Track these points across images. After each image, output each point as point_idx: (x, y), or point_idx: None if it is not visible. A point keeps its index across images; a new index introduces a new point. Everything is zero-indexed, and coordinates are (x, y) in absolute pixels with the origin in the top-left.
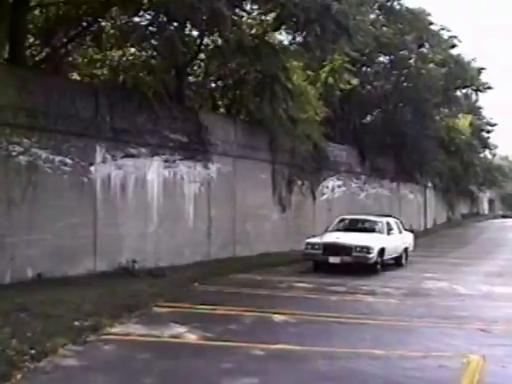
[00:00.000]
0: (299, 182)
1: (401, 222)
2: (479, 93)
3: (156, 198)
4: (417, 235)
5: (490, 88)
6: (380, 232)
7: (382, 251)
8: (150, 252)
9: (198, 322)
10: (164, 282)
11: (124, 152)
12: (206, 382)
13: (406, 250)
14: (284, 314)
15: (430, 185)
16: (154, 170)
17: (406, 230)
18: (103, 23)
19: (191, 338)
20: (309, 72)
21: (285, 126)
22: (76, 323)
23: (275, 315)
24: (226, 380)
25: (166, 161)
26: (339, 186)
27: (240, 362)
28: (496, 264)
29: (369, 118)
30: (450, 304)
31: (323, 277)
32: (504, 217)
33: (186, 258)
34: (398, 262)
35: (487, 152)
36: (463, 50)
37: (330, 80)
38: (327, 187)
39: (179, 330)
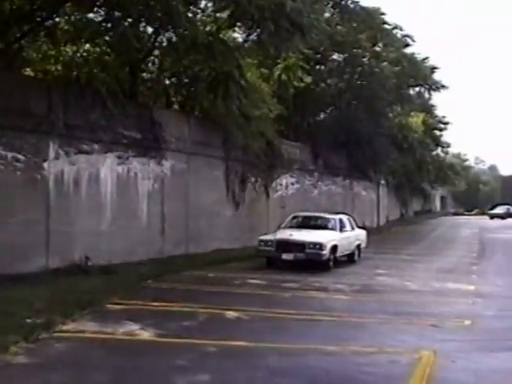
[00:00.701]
0: (253, 179)
1: (353, 219)
2: (432, 91)
3: (109, 194)
4: (370, 232)
5: (443, 87)
6: (333, 229)
7: (334, 248)
8: (103, 249)
9: (152, 319)
10: (117, 279)
11: (77, 148)
12: (158, 379)
13: (358, 246)
14: (237, 310)
15: (383, 182)
16: (108, 167)
17: (358, 227)
18: (57, 19)
19: (144, 335)
20: (263, 69)
21: (238, 123)
22: (28, 320)
23: (228, 312)
24: (178, 377)
25: (119, 157)
26: (292, 184)
27: (193, 359)
28: (447, 261)
29: (322, 115)
30: (402, 300)
31: (276, 273)
32: (456, 214)
33: (140, 255)
34: (350, 259)
35: (440, 150)
36: (418, 49)
37: (284, 77)
38: (281, 184)
39: (132, 327)
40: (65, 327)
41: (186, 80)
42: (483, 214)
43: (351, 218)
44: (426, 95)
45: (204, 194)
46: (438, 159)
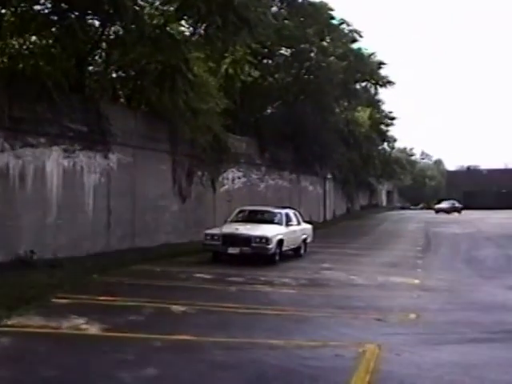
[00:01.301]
0: (199, 173)
1: (300, 214)
2: (378, 87)
3: (55, 188)
4: (316, 227)
5: (390, 82)
6: (279, 223)
7: (280, 242)
8: (48, 243)
9: (98, 313)
10: (63, 274)
11: (23, 142)
12: (104, 374)
13: (304, 241)
14: (183, 304)
15: (329, 177)
16: (54, 160)
17: (305, 221)
18: (3, 11)
19: (90, 329)
20: (210, 63)
21: (185, 117)
22: None
23: (174, 306)
24: (123, 372)
25: (65, 151)
26: (239, 178)
27: (138, 354)
28: (393, 255)
29: (270, 110)
30: (348, 294)
31: (222, 267)
32: (402, 208)
33: (86, 249)
34: (296, 253)
35: (386, 145)
36: (366, 45)
37: (231, 72)
38: (227, 178)
39: (78, 321)
40: (10, 321)
41: (133, 73)
42: (429, 208)
43: (297, 213)
44: (373, 90)
45: (150, 187)
46: (384, 154)
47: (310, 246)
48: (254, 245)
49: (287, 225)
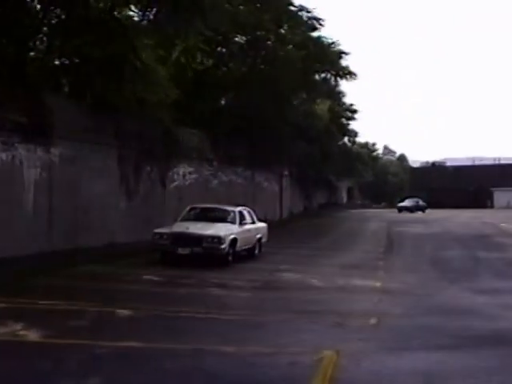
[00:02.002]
0: (148, 169)
1: (254, 212)
2: (339, 78)
3: None
4: (272, 226)
5: (351, 74)
6: (232, 222)
7: (234, 242)
8: None
9: (38, 318)
10: (0, 275)
11: None
12: None
13: (259, 241)
14: (129, 308)
15: (286, 173)
16: None
17: (260, 220)
18: None
19: (29, 336)
20: (160, 51)
21: (133, 108)
22: None
23: (120, 310)
24: (66, 381)
25: (3, 143)
26: (191, 173)
27: (82, 362)
28: (353, 256)
29: (224, 101)
30: (305, 297)
31: (172, 269)
32: (363, 207)
33: (25, 248)
34: (251, 254)
35: (346, 139)
36: (329, 34)
37: (183, 60)
38: (178, 174)
39: (16, 327)
40: None
41: (77, 61)
42: (392, 206)
43: (252, 211)
44: (333, 82)
45: (95, 183)
46: (344, 149)
47: (266, 246)
48: (205, 245)
49: (241, 224)
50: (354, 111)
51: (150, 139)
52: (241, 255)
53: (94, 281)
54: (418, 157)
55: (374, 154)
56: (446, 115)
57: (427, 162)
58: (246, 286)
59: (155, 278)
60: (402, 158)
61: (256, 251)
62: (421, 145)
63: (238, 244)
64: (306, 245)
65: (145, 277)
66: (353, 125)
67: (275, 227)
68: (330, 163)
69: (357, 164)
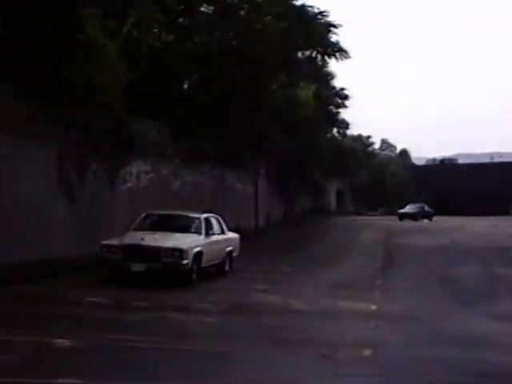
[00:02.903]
0: (94, 167)
1: (224, 220)
2: (327, 57)
3: None
4: (246, 236)
5: (342, 52)
6: (197, 232)
7: (199, 256)
8: None
9: None
10: None
11: None
12: None
13: (230, 254)
14: (70, 338)
15: (263, 172)
16: None
17: (230, 229)
18: None
19: None
20: (109, 22)
21: (76, 93)
22: None
23: (58, 340)
24: None
25: None
26: (146, 173)
27: None
28: (343, 272)
29: (186, 85)
30: (284, 323)
31: (123, 289)
32: (356, 213)
33: None
34: (219, 270)
35: (336, 131)
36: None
37: (136, 34)
38: (131, 174)
39: None
40: None
41: (6, 34)
42: (391, 213)
43: (221, 219)
44: (320, 61)
45: (27, 184)
46: (333, 142)
47: (238, 260)
48: (164, 260)
49: (208, 234)
50: (346, 97)
51: (96, 131)
52: (208, 272)
53: (25, 304)
54: (423, 153)
55: (370, 148)
56: (456, 103)
57: (434, 160)
58: (213, 310)
59: (102, 301)
60: (404, 154)
61: (226, 267)
62: (426, 138)
63: (205, 258)
64: (286, 259)
65: (89, 299)
66: (344, 113)
67: (249, 238)
68: (315, 160)
69: (348, 161)
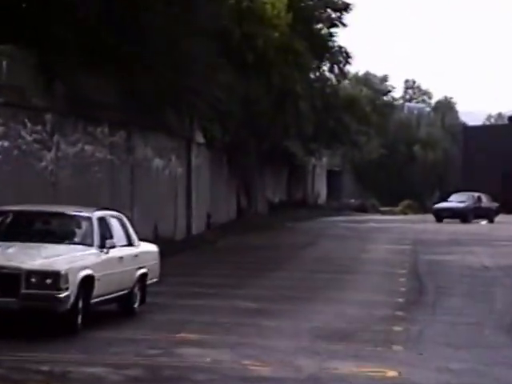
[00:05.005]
0: None
1: (132, 222)
2: None
3: None
4: (170, 249)
5: None
6: (85, 243)
7: (88, 284)
8: None
9: None
10: None
11: None
12: None
13: (142, 280)
14: None
15: (201, 141)
16: None
17: (143, 239)
18: None
19: None
20: None
21: None
22: None
23: None
24: None
25: None
26: None
27: None
28: (339, 312)
29: None
30: None
31: None
32: (361, 210)
33: None
34: (124, 308)
35: (327, 68)
36: None
37: None
38: None
39: None
40: None
41: None
42: (422, 210)
43: (127, 220)
44: None
45: None
46: (323, 89)
47: (157, 291)
48: (25, 291)
49: (104, 246)
50: (345, 7)
51: None
52: (103, 312)
53: None
54: (475, 105)
55: (386, 98)
56: None
57: (500, 116)
58: (110, 380)
59: None
60: (444, 106)
61: (135, 303)
62: (479, 85)
63: (98, 288)
64: (240, 288)
65: None
66: (341, 37)
67: (177, 252)
68: (290, 119)
69: (347, 121)
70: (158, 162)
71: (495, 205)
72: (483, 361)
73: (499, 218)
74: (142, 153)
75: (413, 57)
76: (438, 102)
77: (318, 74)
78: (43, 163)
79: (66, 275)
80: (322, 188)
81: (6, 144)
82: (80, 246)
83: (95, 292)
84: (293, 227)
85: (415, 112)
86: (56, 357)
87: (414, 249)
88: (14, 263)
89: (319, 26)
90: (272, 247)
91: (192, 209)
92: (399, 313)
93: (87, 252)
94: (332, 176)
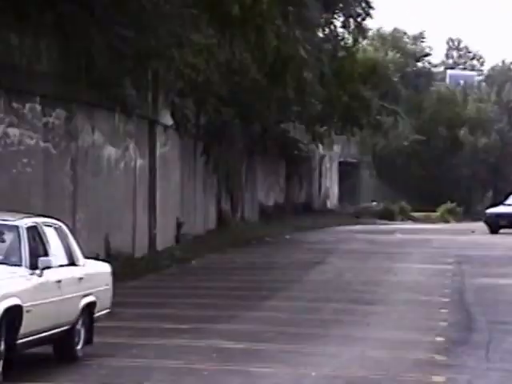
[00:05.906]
0: None
1: (74, 234)
2: None
3: None
4: (126, 270)
5: None
6: (9, 262)
7: (13, 318)
8: None
9: None
10: None
11: None
12: None
13: (88, 312)
14: None
15: (169, 122)
16: None
17: (89, 256)
18: None
19: None
20: None
21: None
22: None
23: None
24: None
25: None
26: None
27: None
28: (348, 354)
29: None
30: None
31: None
32: (387, 216)
33: None
34: (63, 349)
35: (340, 23)
36: None
37: None
38: None
39: None
40: None
41: None
42: (469, 217)
43: (67, 231)
44: None
45: None
46: (336, 50)
47: (107, 325)
48: None
49: (34, 266)
50: None
51: None
52: (34, 355)
53: None
54: None
55: (420, 64)
56: None
57: None
58: None
59: None
60: (499, 75)
61: (78, 343)
62: None
63: (28, 324)
64: (220, 323)
65: None
66: None
67: (136, 274)
68: (290, 91)
69: (367, 95)
70: (109, 152)
71: None
72: None
73: None
74: (88, 139)
75: (458, 10)
76: (492, 70)
77: (327, 31)
78: None
79: None
80: (332, 187)
81: None
82: (2, 266)
83: (23, 329)
84: (293, 240)
85: (461, 83)
86: None
87: (459, 269)
88: None
89: None
90: (265, 267)
91: (156, 215)
92: (439, 357)
93: (12, 274)
94: (346, 170)
